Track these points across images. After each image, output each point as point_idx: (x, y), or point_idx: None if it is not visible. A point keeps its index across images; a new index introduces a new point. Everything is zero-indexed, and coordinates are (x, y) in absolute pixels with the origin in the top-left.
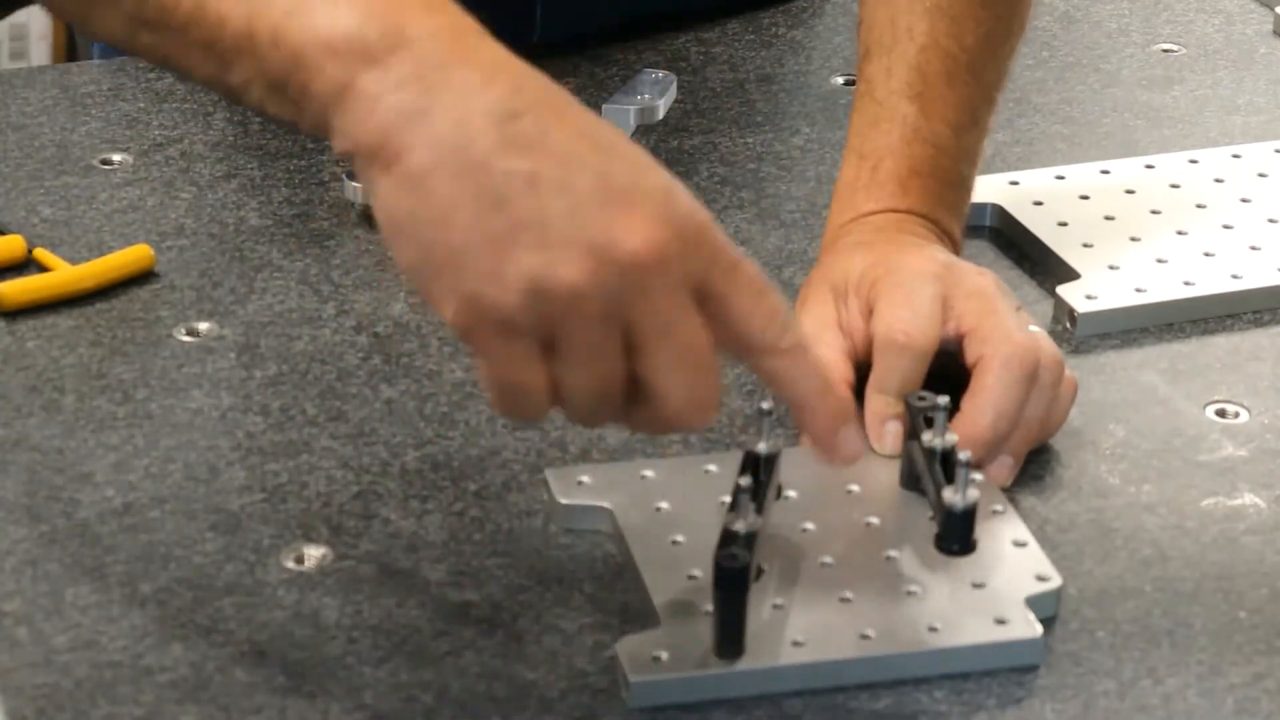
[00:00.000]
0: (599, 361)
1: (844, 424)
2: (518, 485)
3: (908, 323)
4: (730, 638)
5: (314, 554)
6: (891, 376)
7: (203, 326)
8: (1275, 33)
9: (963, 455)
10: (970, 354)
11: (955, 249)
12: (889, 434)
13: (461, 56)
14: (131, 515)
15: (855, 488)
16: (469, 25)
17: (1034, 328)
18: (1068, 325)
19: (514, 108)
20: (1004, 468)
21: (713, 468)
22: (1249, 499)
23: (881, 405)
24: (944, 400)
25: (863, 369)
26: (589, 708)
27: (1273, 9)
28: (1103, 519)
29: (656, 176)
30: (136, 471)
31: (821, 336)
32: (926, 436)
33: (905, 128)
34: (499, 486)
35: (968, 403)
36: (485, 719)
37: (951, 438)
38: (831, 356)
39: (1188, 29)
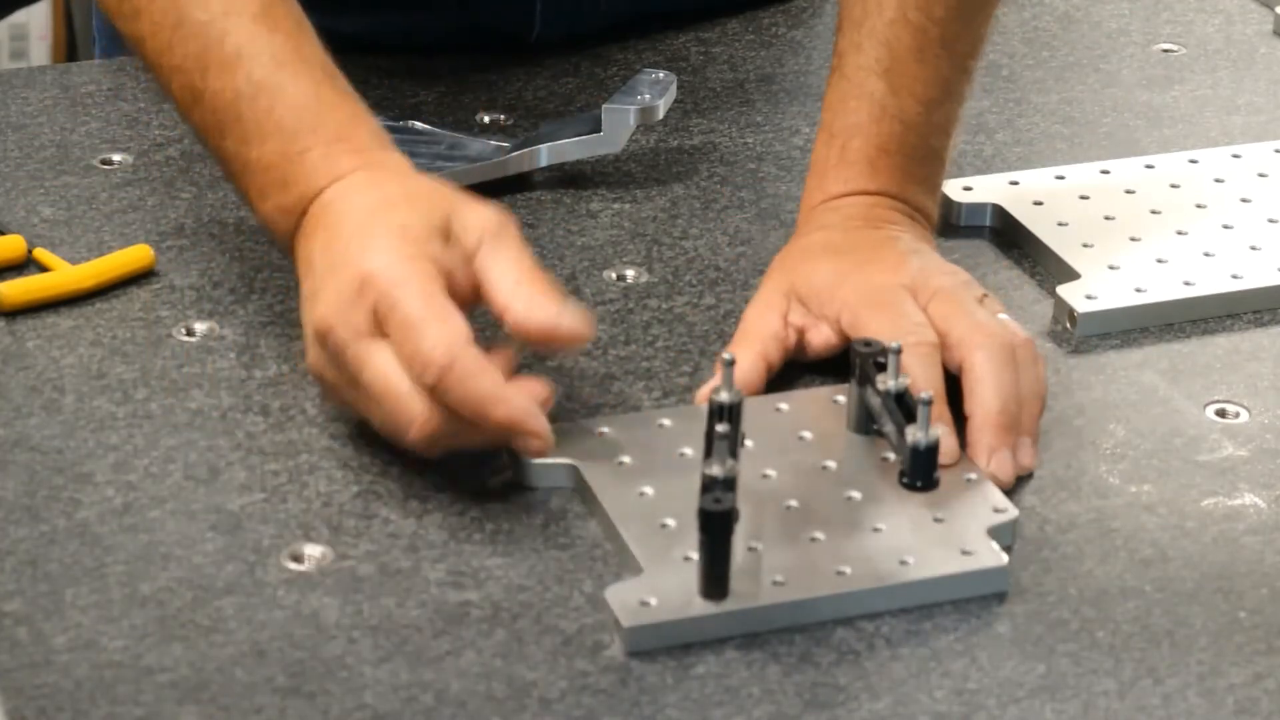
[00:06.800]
0: (350, 397)
1: (525, 419)
2: (517, 485)
3: (910, 325)
4: (717, 579)
5: (314, 554)
6: (931, 379)
7: (202, 326)
8: (1275, 33)
9: (924, 395)
10: (952, 356)
11: (929, 223)
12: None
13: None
14: (131, 515)
15: (807, 434)
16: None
17: (1003, 315)
18: (1068, 325)
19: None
20: (1025, 450)
21: (666, 422)
22: (1249, 499)
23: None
24: (894, 345)
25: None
26: (589, 707)
27: (1273, 9)
28: (1103, 519)
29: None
30: (136, 471)
31: (763, 316)
32: (880, 380)
33: (873, 105)
34: (499, 486)
35: (970, 398)
36: (485, 719)
37: (904, 379)
38: (764, 334)
39: (1188, 29)
